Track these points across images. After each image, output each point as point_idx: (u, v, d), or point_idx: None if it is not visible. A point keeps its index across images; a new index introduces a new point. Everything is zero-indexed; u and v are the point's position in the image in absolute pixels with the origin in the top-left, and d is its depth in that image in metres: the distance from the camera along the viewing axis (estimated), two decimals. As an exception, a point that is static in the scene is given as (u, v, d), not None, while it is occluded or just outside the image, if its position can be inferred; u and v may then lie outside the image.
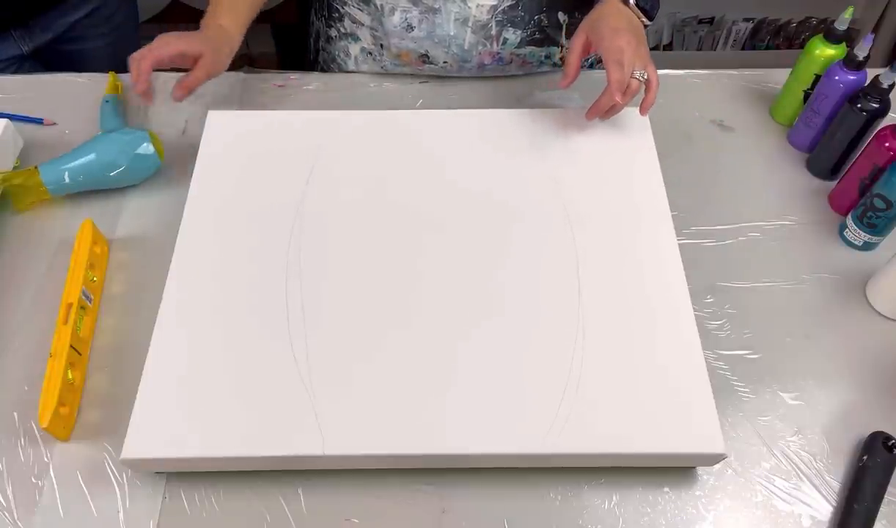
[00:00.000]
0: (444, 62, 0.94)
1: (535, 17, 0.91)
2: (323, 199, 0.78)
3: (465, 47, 0.92)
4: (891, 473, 0.65)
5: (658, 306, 0.71)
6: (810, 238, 0.83)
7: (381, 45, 0.95)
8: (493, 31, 0.91)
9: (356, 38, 0.96)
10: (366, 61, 0.98)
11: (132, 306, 0.75)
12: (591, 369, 0.66)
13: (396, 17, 0.91)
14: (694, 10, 1.84)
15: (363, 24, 0.94)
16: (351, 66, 0.99)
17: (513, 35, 0.92)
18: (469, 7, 0.88)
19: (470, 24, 0.90)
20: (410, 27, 0.91)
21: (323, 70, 1.05)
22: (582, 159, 0.82)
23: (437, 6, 0.89)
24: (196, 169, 0.81)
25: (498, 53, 0.94)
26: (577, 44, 0.80)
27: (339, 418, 0.63)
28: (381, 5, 0.91)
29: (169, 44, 0.82)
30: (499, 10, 0.89)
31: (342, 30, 0.97)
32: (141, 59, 0.80)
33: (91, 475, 0.65)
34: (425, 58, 0.94)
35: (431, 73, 0.97)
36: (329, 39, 1.01)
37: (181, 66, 0.85)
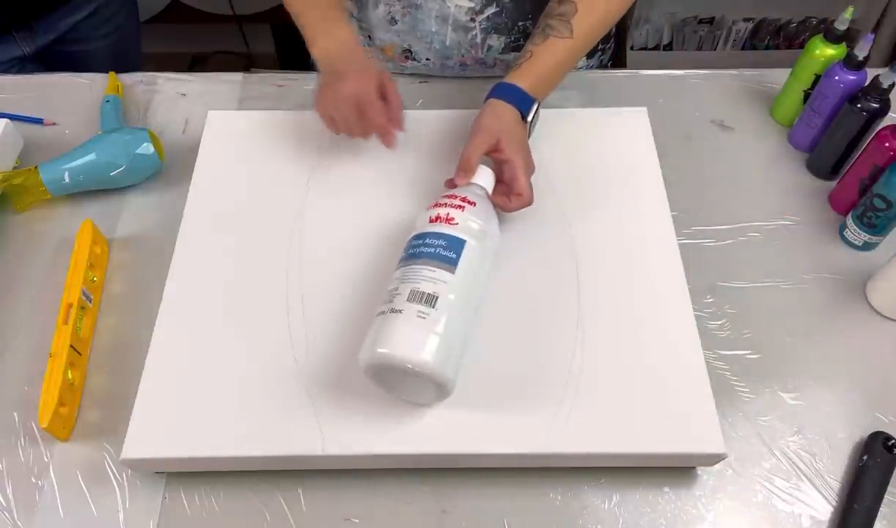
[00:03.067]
0: (427, 59, 0.94)
1: (519, 24, 0.91)
2: (323, 198, 0.78)
3: (447, 44, 0.92)
4: (891, 473, 0.65)
5: (658, 306, 0.71)
6: (810, 238, 0.82)
7: (370, 37, 0.95)
8: (479, 39, 0.91)
9: None
10: None
11: (132, 306, 0.75)
12: (591, 369, 0.66)
13: (380, 10, 0.91)
14: (694, 10, 1.84)
15: (352, 14, 0.94)
16: None
17: (497, 41, 0.92)
18: (448, 6, 0.88)
19: (450, 22, 0.90)
20: (394, 20, 0.91)
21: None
22: (582, 159, 0.82)
23: (418, 2, 0.89)
24: (196, 169, 0.81)
25: (482, 59, 0.94)
26: (481, 145, 0.72)
27: (339, 418, 0.63)
28: None
29: (370, 83, 0.74)
30: (483, 16, 0.89)
31: None
32: (382, 123, 0.75)
33: (91, 475, 0.65)
34: (408, 53, 0.94)
35: (415, 72, 0.96)
36: None
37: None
